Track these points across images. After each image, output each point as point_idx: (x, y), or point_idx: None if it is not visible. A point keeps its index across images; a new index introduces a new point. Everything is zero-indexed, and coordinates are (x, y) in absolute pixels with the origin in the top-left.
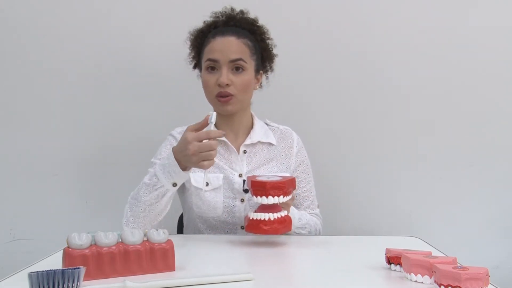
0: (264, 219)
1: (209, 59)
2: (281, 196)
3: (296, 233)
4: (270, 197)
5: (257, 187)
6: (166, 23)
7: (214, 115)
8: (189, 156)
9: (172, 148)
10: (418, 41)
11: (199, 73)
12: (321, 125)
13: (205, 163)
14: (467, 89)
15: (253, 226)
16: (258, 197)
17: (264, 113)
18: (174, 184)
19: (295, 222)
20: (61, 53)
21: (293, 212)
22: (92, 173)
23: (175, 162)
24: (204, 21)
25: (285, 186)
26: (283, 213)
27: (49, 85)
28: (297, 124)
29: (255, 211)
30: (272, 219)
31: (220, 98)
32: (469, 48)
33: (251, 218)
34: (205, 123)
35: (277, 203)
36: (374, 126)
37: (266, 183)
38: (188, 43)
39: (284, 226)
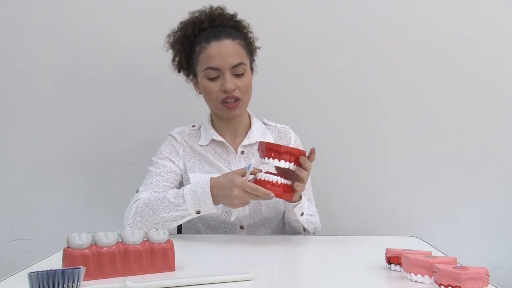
0: (271, 180)
1: (210, 68)
2: (292, 163)
3: (307, 220)
4: (282, 161)
5: (271, 149)
6: (166, 24)
7: (252, 163)
8: (230, 197)
9: (210, 180)
10: (419, 40)
11: (186, 78)
12: (320, 125)
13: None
14: (467, 89)
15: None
16: (270, 159)
17: (262, 112)
18: (198, 212)
19: (305, 209)
20: (61, 53)
21: (303, 199)
22: (92, 173)
23: (210, 195)
24: (181, 22)
25: (298, 154)
26: (288, 182)
27: (49, 86)
28: (296, 123)
29: (260, 172)
30: (280, 182)
31: (227, 104)
32: (469, 48)
33: (257, 178)
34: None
35: (285, 183)
36: (374, 126)
37: (281, 146)
38: (167, 46)
39: (288, 192)
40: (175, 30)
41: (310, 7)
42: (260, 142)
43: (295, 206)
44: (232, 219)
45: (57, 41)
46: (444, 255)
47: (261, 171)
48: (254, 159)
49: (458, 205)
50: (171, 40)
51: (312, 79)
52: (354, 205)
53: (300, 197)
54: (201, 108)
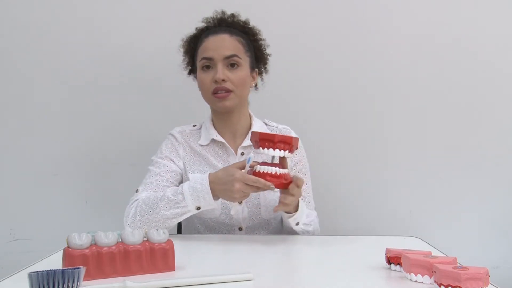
0: (270, 172)
1: (203, 58)
2: (287, 151)
3: (302, 229)
4: (277, 150)
5: (265, 139)
6: (166, 25)
7: (251, 157)
8: (232, 191)
9: (209, 175)
10: (418, 41)
11: (195, 79)
12: (320, 125)
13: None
14: (467, 89)
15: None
16: (265, 148)
17: (263, 113)
18: (198, 208)
19: (303, 219)
20: (60, 53)
21: (303, 208)
22: (92, 173)
23: (209, 190)
24: (196, 28)
25: (291, 142)
26: (286, 170)
27: (49, 86)
28: (296, 123)
29: (260, 165)
30: (278, 173)
31: (217, 94)
32: (469, 48)
33: (256, 171)
34: (245, 164)
35: (284, 173)
36: (374, 126)
37: (275, 136)
38: (181, 50)
39: (287, 182)
40: (190, 35)
41: (311, 8)
42: (253, 132)
43: (290, 217)
44: (232, 213)
45: (57, 42)
46: (444, 255)
47: (258, 163)
48: (253, 152)
49: (458, 205)
50: (185, 44)
51: (313, 79)
52: (354, 205)
53: (297, 209)
54: (202, 108)
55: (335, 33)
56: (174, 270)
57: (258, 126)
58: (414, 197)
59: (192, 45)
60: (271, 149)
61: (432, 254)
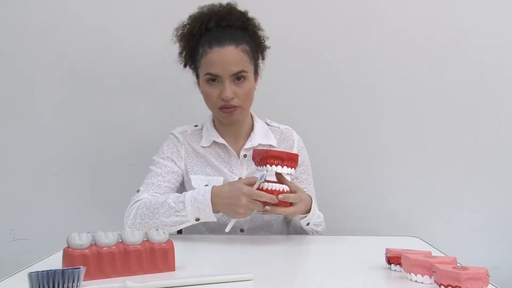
0: (278, 189)
1: (209, 73)
2: (293, 169)
3: (312, 229)
4: (285, 167)
5: (275, 156)
6: (166, 25)
7: (264, 175)
8: (237, 205)
9: (212, 188)
10: (419, 41)
11: (193, 75)
12: (321, 125)
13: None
14: (467, 89)
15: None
16: (273, 166)
17: (264, 113)
18: (197, 219)
19: (314, 219)
20: (60, 52)
21: (315, 209)
22: (92, 173)
23: (209, 203)
24: (190, 16)
25: (297, 159)
26: (287, 187)
27: (48, 85)
28: (297, 124)
29: (265, 182)
30: (286, 190)
31: (225, 109)
32: (470, 49)
33: (265, 188)
34: (252, 181)
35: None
36: (374, 126)
37: (283, 153)
38: (174, 39)
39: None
40: (184, 23)
41: (312, 8)
42: (255, 150)
43: (302, 218)
44: (227, 230)
45: (57, 42)
46: (444, 255)
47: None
48: (266, 170)
49: (458, 205)
50: (179, 33)
51: (314, 80)
52: (354, 205)
53: (309, 211)
54: (202, 108)
55: (335, 33)
56: (174, 270)
57: (259, 127)
58: (414, 197)
59: (191, 43)
60: (279, 167)
61: (432, 254)
